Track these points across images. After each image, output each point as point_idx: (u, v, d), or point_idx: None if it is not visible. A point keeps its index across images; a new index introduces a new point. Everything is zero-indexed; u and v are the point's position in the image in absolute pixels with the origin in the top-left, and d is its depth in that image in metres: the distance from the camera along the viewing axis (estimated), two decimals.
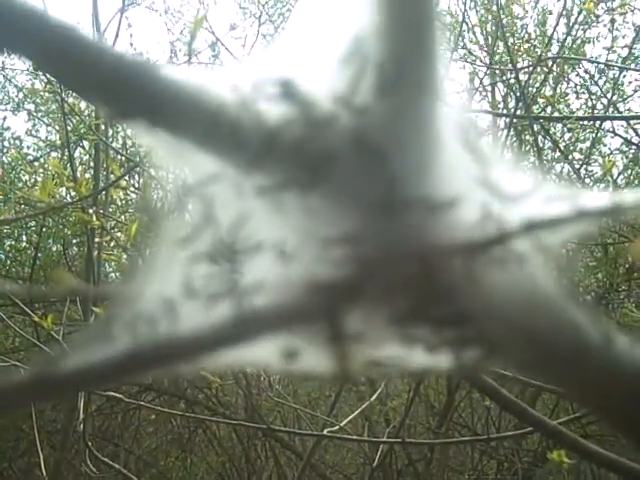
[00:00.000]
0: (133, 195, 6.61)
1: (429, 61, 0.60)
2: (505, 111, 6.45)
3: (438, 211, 0.58)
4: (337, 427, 3.93)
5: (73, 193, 4.71)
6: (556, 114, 6.35)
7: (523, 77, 5.49)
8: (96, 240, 4.88)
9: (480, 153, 0.61)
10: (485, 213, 0.58)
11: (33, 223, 6.66)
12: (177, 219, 0.65)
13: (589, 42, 6.39)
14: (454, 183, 0.59)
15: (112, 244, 5.47)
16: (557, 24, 5.78)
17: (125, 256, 4.20)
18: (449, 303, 0.59)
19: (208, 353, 0.60)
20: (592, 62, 6.22)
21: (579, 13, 6.01)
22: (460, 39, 6.65)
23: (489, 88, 7.14)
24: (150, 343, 0.59)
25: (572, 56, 6.18)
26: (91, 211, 3.52)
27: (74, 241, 6.89)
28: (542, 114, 6.21)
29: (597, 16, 6.08)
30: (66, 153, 5.78)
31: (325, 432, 3.94)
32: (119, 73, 0.57)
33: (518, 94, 5.10)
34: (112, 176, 4.75)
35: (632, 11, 6.26)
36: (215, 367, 0.63)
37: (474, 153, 0.61)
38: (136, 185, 6.54)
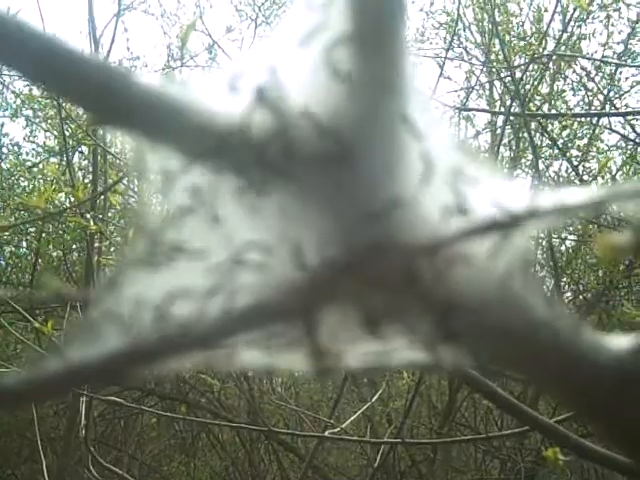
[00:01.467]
0: (132, 199, 6.63)
1: (395, 65, 0.60)
2: (502, 109, 6.45)
3: (405, 211, 0.58)
4: (338, 429, 3.93)
5: (72, 199, 4.71)
6: (553, 111, 6.37)
7: (519, 74, 5.50)
8: (95, 245, 4.89)
9: (451, 150, 0.61)
10: (452, 211, 0.58)
11: (33, 229, 6.67)
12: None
13: (585, 38, 6.40)
14: (421, 182, 0.59)
15: (112, 249, 5.48)
16: (551, 20, 5.78)
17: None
18: (421, 300, 0.60)
19: (194, 351, 0.60)
20: (586, 58, 6.22)
21: (574, 10, 6.00)
22: (456, 37, 6.67)
23: (487, 86, 7.16)
24: (137, 342, 0.59)
25: (567, 53, 6.17)
26: (89, 216, 3.52)
27: (74, 246, 6.90)
28: (539, 111, 6.22)
29: (591, 12, 6.07)
30: (64, 159, 5.79)
31: (327, 434, 3.94)
32: (98, 80, 0.58)
33: (513, 92, 5.10)
34: (110, 181, 4.77)
35: (627, 7, 6.28)
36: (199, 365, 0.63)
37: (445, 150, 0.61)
38: (134, 189, 6.55)
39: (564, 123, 5.55)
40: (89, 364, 0.59)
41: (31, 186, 6.74)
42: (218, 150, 0.59)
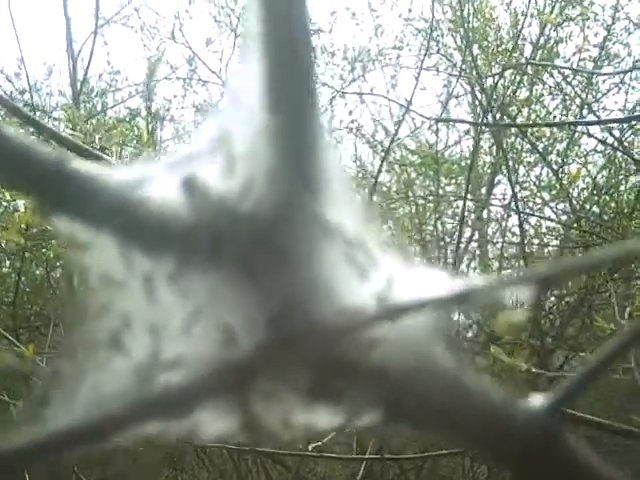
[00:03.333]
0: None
1: (313, 160, 0.64)
2: (481, 116, 6.48)
3: (327, 296, 0.62)
4: (320, 443, 3.94)
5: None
6: (533, 115, 6.39)
7: (496, 81, 5.53)
8: None
9: (358, 242, 0.64)
10: (367, 296, 0.62)
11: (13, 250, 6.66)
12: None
13: (562, 42, 6.43)
14: (339, 269, 0.64)
15: None
16: (522, 27, 5.81)
17: None
18: (345, 375, 0.64)
19: (126, 429, 0.63)
20: (558, 67, 6.25)
21: (550, 13, 6.03)
22: (434, 43, 6.69)
23: (465, 92, 7.20)
24: (83, 421, 0.62)
25: (541, 61, 6.20)
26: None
27: (57, 264, 6.89)
28: (519, 115, 6.25)
29: (559, 24, 6.13)
30: None
31: (310, 448, 3.95)
32: (37, 172, 0.60)
33: (486, 103, 5.13)
34: None
35: (602, 9, 6.33)
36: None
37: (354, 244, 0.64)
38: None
39: (537, 134, 5.58)
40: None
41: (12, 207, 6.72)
42: (158, 237, 0.62)
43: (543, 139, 6.26)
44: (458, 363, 0.66)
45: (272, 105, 0.62)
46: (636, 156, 6.03)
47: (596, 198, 6.15)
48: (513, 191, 5.41)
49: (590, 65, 6.61)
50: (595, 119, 6.36)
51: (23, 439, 0.60)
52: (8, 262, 7.11)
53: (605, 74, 6.36)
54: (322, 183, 0.64)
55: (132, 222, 0.62)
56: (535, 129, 5.74)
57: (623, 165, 6.30)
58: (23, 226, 3.63)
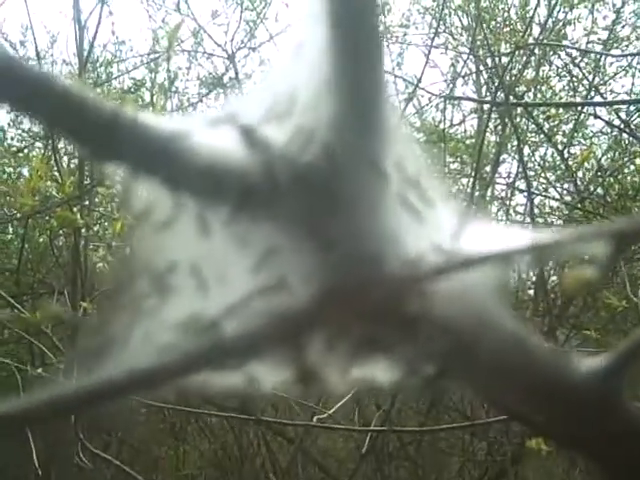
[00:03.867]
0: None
1: (377, 104, 0.63)
2: (489, 94, 6.46)
3: (389, 246, 0.61)
4: (326, 415, 3.96)
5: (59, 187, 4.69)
6: (539, 96, 6.38)
7: (505, 61, 5.51)
8: (82, 233, 4.89)
9: (422, 191, 0.64)
10: (430, 247, 0.61)
11: (19, 215, 6.63)
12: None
13: (570, 24, 6.40)
14: (401, 220, 0.63)
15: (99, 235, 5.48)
16: (537, 6, 5.78)
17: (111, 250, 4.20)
18: (404, 328, 0.63)
19: (179, 379, 0.62)
20: (570, 48, 6.22)
21: None
22: (442, 23, 6.65)
23: (474, 70, 7.16)
24: (127, 371, 0.61)
25: (551, 41, 6.17)
26: (75, 209, 3.53)
27: (61, 232, 6.88)
28: (525, 97, 6.23)
29: (572, 6, 6.09)
30: (50, 143, 5.75)
31: (314, 420, 3.97)
32: (99, 119, 0.60)
33: (497, 81, 5.11)
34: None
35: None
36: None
37: (417, 190, 0.64)
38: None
39: (547, 114, 5.56)
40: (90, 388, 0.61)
41: (17, 172, 6.72)
42: (212, 187, 0.61)
43: (549, 120, 6.25)
44: (517, 321, 0.66)
45: (337, 56, 0.61)
46: None
47: (600, 180, 6.15)
48: (524, 169, 5.40)
49: (598, 48, 6.58)
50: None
51: (71, 388, 0.60)
52: (11, 229, 7.10)
53: (614, 55, 6.33)
54: (385, 134, 0.63)
55: (186, 170, 0.61)
56: (544, 110, 5.72)
57: (629, 148, 6.30)
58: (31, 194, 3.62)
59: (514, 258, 0.63)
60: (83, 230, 4.75)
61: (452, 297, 0.63)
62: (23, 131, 7.38)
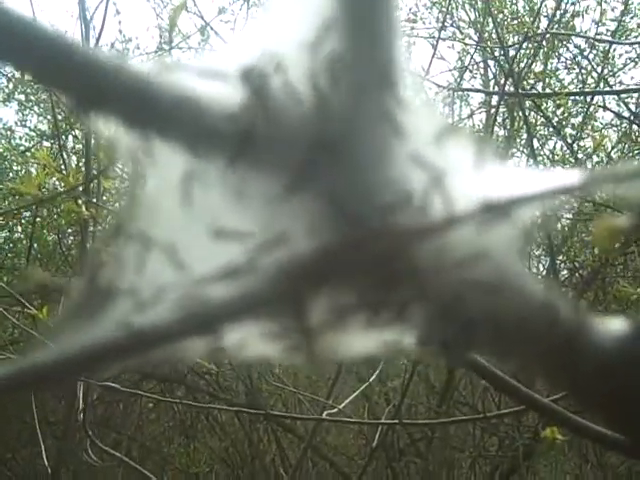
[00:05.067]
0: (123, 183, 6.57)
1: (386, 51, 0.60)
2: (497, 88, 6.43)
3: (399, 197, 0.58)
4: (336, 410, 3.94)
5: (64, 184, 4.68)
6: (548, 89, 6.35)
7: (513, 53, 5.48)
8: (90, 229, 4.88)
9: (441, 136, 0.61)
10: (444, 196, 0.58)
11: (27, 213, 6.65)
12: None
13: (578, 16, 6.38)
14: (412, 168, 0.59)
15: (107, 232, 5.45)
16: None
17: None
18: (412, 286, 0.60)
19: (176, 341, 0.60)
20: (579, 37, 6.20)
21: None
22: (449, 16, 6.63)
23: (481, 65, 7.14)
24: (130, 331, 0.59)
25: (560, 31, 6.15)
26: (80, 201, 3.50)
27: (69, 230, 6.88)
28: (533, 90, 6.20)
29: None
30: (57, 142, 5.76)
31: (324, 415, 3.95)
32: (84, 67, 0.57)
33: (506, 72, 5.08)
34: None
35: None
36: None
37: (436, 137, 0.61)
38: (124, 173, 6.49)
39: (558, 102, 5.53)
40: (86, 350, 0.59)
41: (24, 171, 6.72)
42: (208, 136, 0.59)
43: (558, 112, 6.22)
44: (538, 281, 0.63)
45: None
46: None
47: None
48: (534, 158, 5.37)
49: (607, 39, 6.54)
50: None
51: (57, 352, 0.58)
52: (20, 228, 7.11)
53: (624, 43, 6.30)
54: (395, 78, 0.60)
55: (179, 116, 0.58)
56: (553, 100, 5.69)
57: (639, 140, 6.27)
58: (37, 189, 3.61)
59: (542, 202, 0.60)
60: (91, 228, 4.73)
61: (469, 254, 0.60)
62: (31, 130, 7.39)
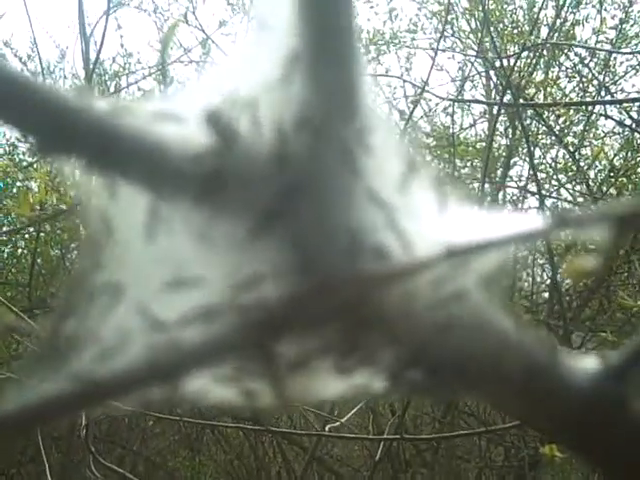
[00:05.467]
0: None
1: (354, 90, 0.60)
2: (498, 98, 6.42)
3: (362, 242, 0.57)
4: (338, 423, 3.94)
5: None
6: (549, 99, 6.33)
7: (514, 61, 5.47)
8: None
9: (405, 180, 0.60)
10: (406, 241, 0.57)
11: (31, 229, 6.65)
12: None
13: (578, 24, 6.36)
14: (374, 213, 0.58)
15: None
16: (541, 8, 5.75)
17: None
18: (380, 331, 0.59)
19: (142, 388, 0.59)
20: (578, 47, 6.19)
21: None
22: (449, 27, 6.64)
23: (483, 75, 7.14)
24: (88, 381, 0.58)
25: (559, 41, 6.15)
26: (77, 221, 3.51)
27: (72, 245, 6.88)
28: (535, 99, 6.19)
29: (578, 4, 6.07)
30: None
31: (327, 429, 3.95)
32: (46, 106, 0.57)
33: (504, 82, 5.08)
34: None
35: None
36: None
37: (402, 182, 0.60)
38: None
39: (557, 113, 5.52)
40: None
41: (25, 187, 6.72)
42: (172, 177, 0.58)
43: (559, 121, 6.21)
44: (508, 317, 0.63)
45: (306, 30, 0.57)
46: None
47: (613, 180, 6.10)
48: (534, 172, 5.35)
49: (607, 47, 6.53)
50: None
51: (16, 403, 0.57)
52: (23, 243, 7.11)
53: (624, 53, 6.29)
54: (361, 120, 0.59)
55: (146, 165, 0.57)
56: (554, 109, 5.67)
57: None
58: (37, 207, 3.61)
59: (506, 246, 0.59)
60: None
61: (436, 295, 0.59)
62: (32, 145, 7.39)
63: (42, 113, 0.57)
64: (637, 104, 6.01)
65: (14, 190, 6.78)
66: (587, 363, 0.63)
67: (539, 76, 6.47)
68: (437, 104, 6.85)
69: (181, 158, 0.58)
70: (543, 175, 6.61)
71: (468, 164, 6.95)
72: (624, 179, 6.07)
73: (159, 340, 0.59)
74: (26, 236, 6.96)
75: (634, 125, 6.11)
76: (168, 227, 0.60)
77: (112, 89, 7.54)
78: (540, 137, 6.65)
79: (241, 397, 0.64)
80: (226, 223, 0.59)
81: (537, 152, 6.60)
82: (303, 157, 0.58)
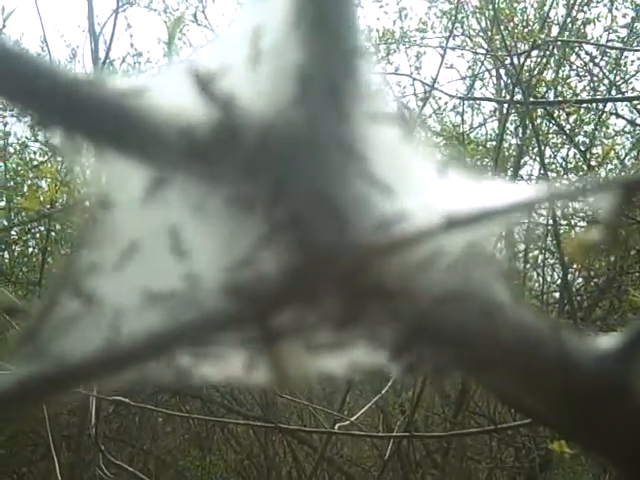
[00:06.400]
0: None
1: (349, 64, 0.59)
2: (508, 96, 6.41)
3: (360, 212, 0.57)
4: (348, 422, 3.93)
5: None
6: (560, 98, 6.31)
7: (524, 59, 5.45)
8: None
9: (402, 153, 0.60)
10: (405, 211, 0.57)
11: (42, 228, 6.67)
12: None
13: (589, 23, 6.34)
14: (372, 182, 0.58)
15: None
16: (552, 5, 5.73)
17: None
18: (379, 302, 0.58)
19: (141, 363, 0.58)
20: (589, 44, 6.17)
21: None
22: (459, 25, 6.63)
23: (493, 73, 7.13)
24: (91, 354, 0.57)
25: (570, 39, 6.12)
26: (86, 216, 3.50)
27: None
28: (545, 97, 6.17)
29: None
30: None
31: (336, 427, 3.94)
32: (43, 80, 0.57)
33: (514, 80, 5.06)
34: None
35: None
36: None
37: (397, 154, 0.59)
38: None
39: (567, 110, 5.50)
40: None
41: (35, 185, 6.74)
42: (169, 150, 0.58)
43: (570, 120, 6.19)
44: (513, 296, 0.60)
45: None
46: None
47: None
48: (545, 171, 5.33)
49: (618, 46, 6.51)
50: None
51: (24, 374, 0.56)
52: (34, 242, 7.13)
53: (636, 50, 6.25)
54: (354, 95, 0.59)
55: (137, 130, 0.57)
56: (565, 107, 5.65)
57: None
58: (47, 205, 3.62)
59: (508, 216, 0.58)
60: None
61: (439, 268, 0.58)
62: (42, 144, 7.41)
63: (41, 86, 0.57)
64: None
65: (24, 189, 6.80)
66: (592, 344, 0.62)
67: (550, 75, 6.46)
68: (446, 103, 6.84)
69: (176, 129, 0.57)
70: (554, 174, 6.59)
71: (478, 163, 6.93)
72: None
73: (156, 314, 0.58)
74: (37, 235, 6.98)
75: None
76: (164, 199, 0.60)
77: None
78: (551, 136, 6.63)
79: (240, 372, 0.63)
80: (221, 195, 0.58)
81: (547, 151, 6.58)
82: (299, 126, 0.57)
